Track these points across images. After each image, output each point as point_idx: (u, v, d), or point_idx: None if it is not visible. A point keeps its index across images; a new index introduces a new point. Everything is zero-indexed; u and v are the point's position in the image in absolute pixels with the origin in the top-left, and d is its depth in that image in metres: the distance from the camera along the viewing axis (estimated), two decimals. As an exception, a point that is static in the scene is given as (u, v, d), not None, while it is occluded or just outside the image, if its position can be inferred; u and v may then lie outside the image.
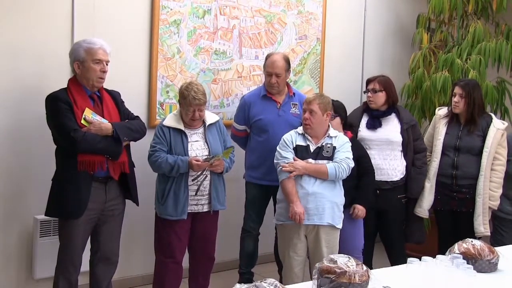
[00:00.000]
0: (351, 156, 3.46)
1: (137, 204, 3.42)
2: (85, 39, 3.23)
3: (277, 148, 3.51)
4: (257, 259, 4.17)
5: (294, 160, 3.42)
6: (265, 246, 4.25)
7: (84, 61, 3.16)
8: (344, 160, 3.40)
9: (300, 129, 3.52)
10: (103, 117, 3.19)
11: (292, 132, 3.54)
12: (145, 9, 3.98)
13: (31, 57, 3.54)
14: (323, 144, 3.45)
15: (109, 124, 3.16)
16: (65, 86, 3.22)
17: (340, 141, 3.47)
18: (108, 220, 3.29)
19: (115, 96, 3.36)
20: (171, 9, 4.05)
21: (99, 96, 3.26)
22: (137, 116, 3.45)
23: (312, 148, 3.45)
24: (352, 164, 3.44)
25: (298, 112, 3.91)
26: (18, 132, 3.54)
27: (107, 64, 3.21)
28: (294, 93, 4.02)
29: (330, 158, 3.41)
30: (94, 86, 3.20)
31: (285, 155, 3.45)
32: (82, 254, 3.27)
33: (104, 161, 3.15)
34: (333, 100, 3.63)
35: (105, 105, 3.25)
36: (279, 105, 3.94)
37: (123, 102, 3.41)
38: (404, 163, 3.96)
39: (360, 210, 3.66)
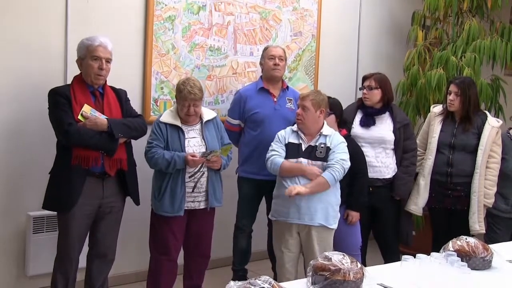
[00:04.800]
0: (346, 157, 3.37)
1: (137, 204, 3.40)
2: (89, 37, 3.23)
3: (272, 143, 3.50)
4: (251, 256, 4.16)
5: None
6: (258, 243, 4.24)
7: (84, 58, 3.19)
8: (338, 162, 3.31)
9: (295, 127, 3.49)
10: (103, 114, 3.18)
11: (288, 129, 3.51)
12: (140, 5, 3.96)
13: (24, 53, 3.51)
14: (317, 143, 3.39)
15: (105, 120, 3.14)
16: (62, 82, 3.28)
17: (335, 141, 3.39)
18: (105, 216, 3.28)
19: (119, 94, 3.35)
20: (165, 5, 4.03)
21: (102, 93, 3.25)
22: (140, 115, 3.44)
23: (304, 146, 3.40)
24: (347, 164, 3.35)
25: (293, 107, 3.91)
26: (12, 129, 3.52)
27: (108, 62, 3.21)
28: (287, 86, 4.04)
29: (324, 159, 3.35)
30: (94, 83, 3.20)
31: (276, 148, 3.43)
32: (80, 250, 3.26)
33: (99, 156, 3.14)
34: (329, 97, 3.60)
35: (107, 102, 3.24)
36: (275, 98, 3.94)
37: (128, 100, 3.41)
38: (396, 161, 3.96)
39: (354, 216, 3.64)
